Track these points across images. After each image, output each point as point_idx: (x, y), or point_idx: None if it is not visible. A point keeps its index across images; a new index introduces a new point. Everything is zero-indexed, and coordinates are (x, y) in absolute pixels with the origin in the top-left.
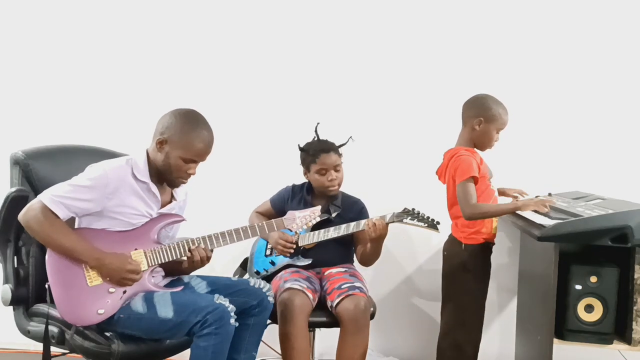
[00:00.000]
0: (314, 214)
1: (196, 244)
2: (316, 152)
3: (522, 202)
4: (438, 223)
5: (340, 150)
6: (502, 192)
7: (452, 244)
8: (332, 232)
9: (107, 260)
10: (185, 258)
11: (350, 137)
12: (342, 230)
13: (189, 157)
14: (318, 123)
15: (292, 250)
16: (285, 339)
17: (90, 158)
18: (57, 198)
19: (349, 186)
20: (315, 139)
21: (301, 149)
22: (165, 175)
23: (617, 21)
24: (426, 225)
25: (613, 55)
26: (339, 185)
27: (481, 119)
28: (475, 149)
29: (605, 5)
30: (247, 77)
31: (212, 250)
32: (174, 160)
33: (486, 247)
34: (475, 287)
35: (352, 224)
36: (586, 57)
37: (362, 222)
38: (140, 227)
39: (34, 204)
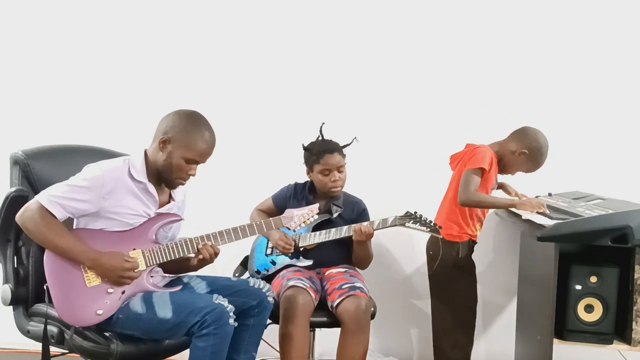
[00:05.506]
0: (312, 212)
1: (204, 242)
2: (320, 152)
3: (519, 201)
4: (440, 227)
5: (344, 150)
6: (500, 186)
7: (435, 243)
8: (333, 234)
9: (103, 260)
10: (193, 255)
11: (355, 137)
12: (343, 231)
13: (191, 157)
14: (323, 123)
15: (292, 250)
16: (286, 338)
17: (90, 158)
18: (53, 198)
19: (352, 186)
20: (320, 138)
21: (305, 149)
22: (165, 176)
23: (617, 22)
24: (428, 229)
25: (612, 56)
26: (342, 186)
27: (526, 151)
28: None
29: (604, 6)
30: (250, 77)
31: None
32: (176, 160)
33: (470, 244)
34: (464, 283)
35: (353, 225)
36: (586, 58)
37: (356, 225)
38: (137, 227)
39: (31, 205)
